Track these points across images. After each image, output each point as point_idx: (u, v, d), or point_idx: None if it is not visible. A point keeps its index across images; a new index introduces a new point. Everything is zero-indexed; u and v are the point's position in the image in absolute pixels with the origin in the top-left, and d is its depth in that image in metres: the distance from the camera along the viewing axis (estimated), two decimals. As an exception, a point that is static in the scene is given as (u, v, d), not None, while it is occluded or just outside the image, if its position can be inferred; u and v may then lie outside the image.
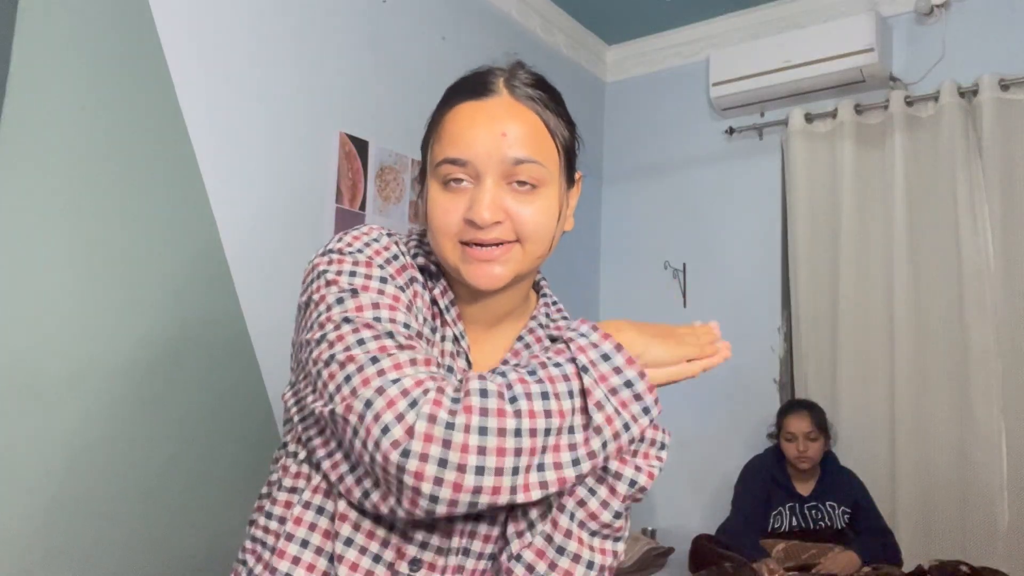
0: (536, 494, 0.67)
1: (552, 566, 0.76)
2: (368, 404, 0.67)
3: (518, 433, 0.66)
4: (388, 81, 2.42)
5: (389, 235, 0.84)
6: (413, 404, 0.66)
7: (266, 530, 0.82)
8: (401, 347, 0.71)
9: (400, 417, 0.65)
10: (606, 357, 0.71)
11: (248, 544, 0.84)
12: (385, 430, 0.65)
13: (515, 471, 0.66)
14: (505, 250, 0.79)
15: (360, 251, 0.79)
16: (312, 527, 0.78)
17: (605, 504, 0.78)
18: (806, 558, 2.41)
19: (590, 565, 0.77)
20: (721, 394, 3.09)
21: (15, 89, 1.55)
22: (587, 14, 3.25)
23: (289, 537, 0.78)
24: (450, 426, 0.65)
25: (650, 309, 3.31)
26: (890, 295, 2.73)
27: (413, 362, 0.70)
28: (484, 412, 0.66)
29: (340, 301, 0.75)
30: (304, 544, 0.78)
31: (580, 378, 0.70)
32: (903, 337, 2.67)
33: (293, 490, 0.81)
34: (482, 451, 0.65)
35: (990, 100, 2.60)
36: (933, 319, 2.66)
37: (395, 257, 0.82)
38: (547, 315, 0.92)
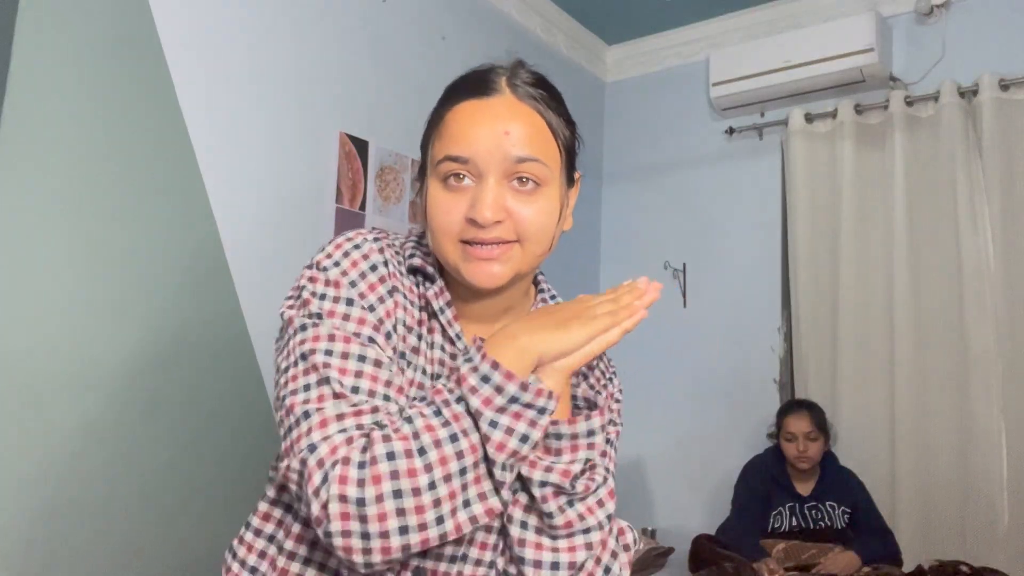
0: (468, 528, 0.69)
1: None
2: (297, 472, 0.70)
3: (432, 486, 0.67)
4: (388, 81, 2.42)
5: (376, 239, 0.84)
6: (325, 480, 0.66)
7: (262, 554, 0.84)
8: (336, 396, 0.72)
9: (317, 493, 0.67)
10: (485, 379, 0.70)
11: (235, 560, 0.85)
12: (308, 504, 0.68)
13: (440, 520, 0.67)
14: (505, 249, 0.79)
15: (337, 264, 0.80)
16: (313, 544, 0.81)
17: None
18: (806, 558, 2.41)
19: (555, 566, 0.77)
20: (721, 394, 3.09)
21: (15, 89, 1.55)
22: (587, 14, 3.25)
23: (291, 556, 0.81)
24: (361, 502, 0.65)
25: (650, 309, 3.30)
26: (890, 295, 2.73)
27: (340, 417, 0.71)
28: (395, 475, 0.66)
29: (303, 328, 0.77)
30: (307, 562, 0.80)
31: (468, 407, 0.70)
32: (903, 337, 2.67)
33: (288, 507, 0.83)
34: (401, 513, 0.66)
35: (990, 100, 2.60)
36: (933, 319, 2.66)
37: (373, 268, 0.81)
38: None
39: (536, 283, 0.95)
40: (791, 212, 2.98)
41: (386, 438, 0.68)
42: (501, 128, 0.78)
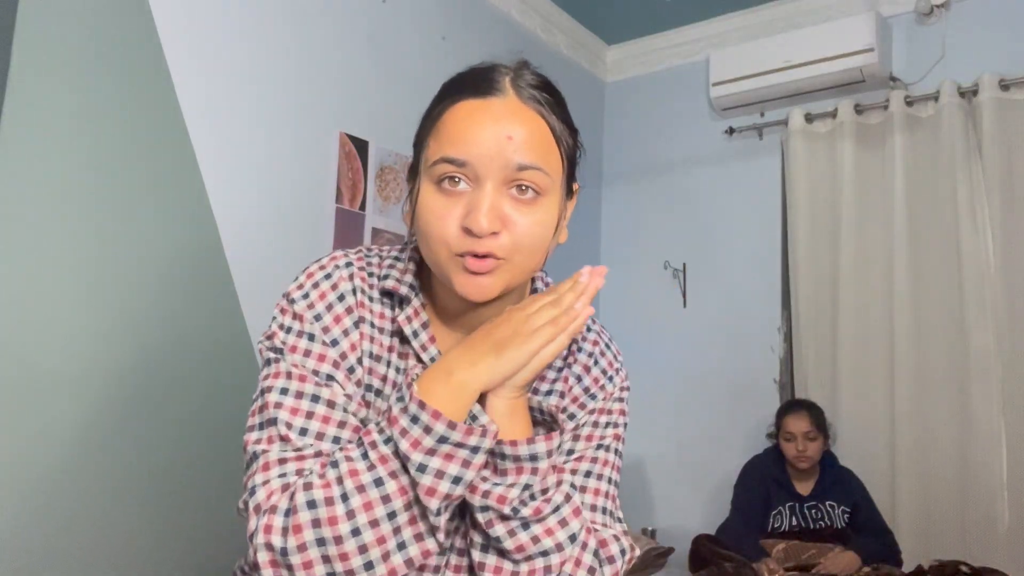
0: (405, 571, 0.68)
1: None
2: (243, 514, 0.72)
3: (356, 532, 0.66)
4: (388, 81, 2.42)
5: (349, 264, 0.82)
6: (256, 527, 0.68)
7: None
8: (282, 439, 0.72)
9: (251, 539, 0.69)
10: (415, 419, 0.68)
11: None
12: (248, 548, 0.70)
13: (369, 566, 0.67)
14: (499, 263, 0.74)
15: (306, 296, 0.80)
16: None
17: None
18: (806, 558, 2.40)
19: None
20: (721, 394, 3.09)
21: (15, 89, 1.55)
22: (587, 14, 3.25)
23: None
24: (284, 552, 0.66)
25: (650, 309, 3.31)
26: (890, 295, 2.73)
27: (281, 462, 0.71)
28: (316, 523, 0.66)
29: (267, 363, 0.78)
30: None
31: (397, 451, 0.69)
32: (903, 337, 2.67)
33: None
34: (327, 560, 0.66)
35: (990, 100, 2.60)
36: (933, 319, 2.66)
37: (341, 298, 0.80)
38: None
39: (533, 284, 0.92)
40: (791, 212, 2.98)
41: (307, 486, 0.68)
42: (504, 131, 0.73)
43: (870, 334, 2.77)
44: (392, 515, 0.67)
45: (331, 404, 0.75)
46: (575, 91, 3.37)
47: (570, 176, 0.82)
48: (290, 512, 0.67)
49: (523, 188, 0.74)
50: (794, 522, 2.54)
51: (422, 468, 0.67)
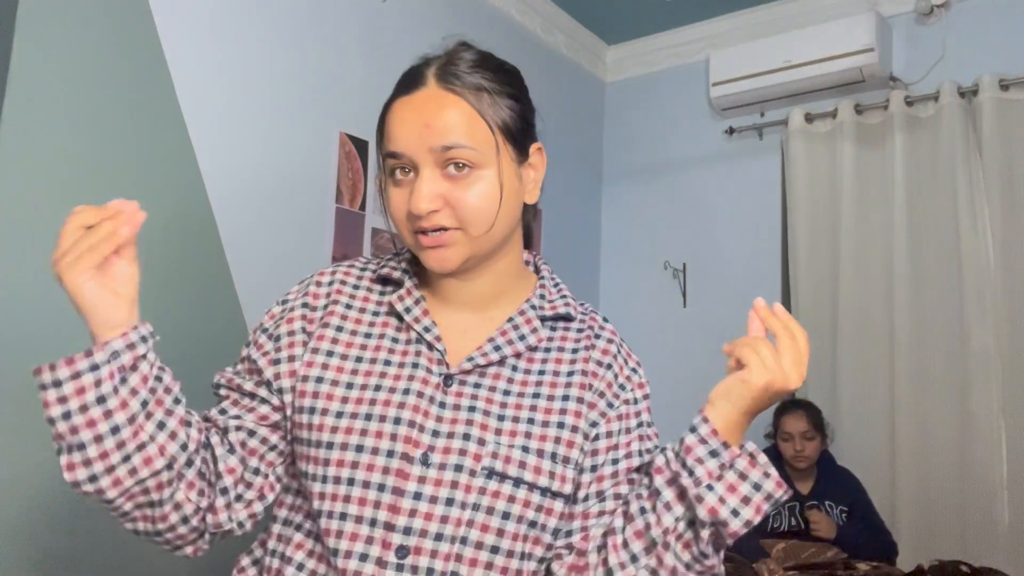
0: None
1: None
2: None
3: None
4: (388, 81, 2.39)
5: (333, 272, 0.94)
6: None
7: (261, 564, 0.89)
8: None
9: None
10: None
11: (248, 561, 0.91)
12: None
13: None
14: (449, 235, 0.82)
15: (277, 304, 0.96)
16: (311, 553, 0.83)
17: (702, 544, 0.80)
18: (806, 557, 2.40)
19: None
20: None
21: (15, 89, 1.55)
22: (587, 14, 3.25)
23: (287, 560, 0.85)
24: None
25: (650, 309, 3.31)
26: (890, 295, 2.73)
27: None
28: None
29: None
30: (300, 568, 0.83)
31: None
32: (903, 337, 2.67)
33: (287, 523, 0.88)
34: None
35: (990, 100, 2.60)
36: (933, 319, 2.66)
37: (284, 301, 0.96)
38: (542, 296, 0.93)
39: (538, 270, 0.96)
40: (791, 212, 2.98)
41: None
42: (421, 122, 0.81)
43: (870, 334, 2.77)
44: None
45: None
46: (575, 91, 3.37)
47: (516, 141, 0.86)
48: None
49: (459, 166, 0.81)
50: (793, 522, 2.54)
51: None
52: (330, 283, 0.91)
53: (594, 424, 0.88)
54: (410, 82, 0.85)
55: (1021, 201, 2.57)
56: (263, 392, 0.88)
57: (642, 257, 3.36)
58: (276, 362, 0.88)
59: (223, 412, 0.89)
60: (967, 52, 2.72)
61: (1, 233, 1.53)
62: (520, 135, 0.87)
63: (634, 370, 0.95)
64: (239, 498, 0.84)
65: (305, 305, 0.90)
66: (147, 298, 1.75)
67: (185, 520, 0.79)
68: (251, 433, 0.86)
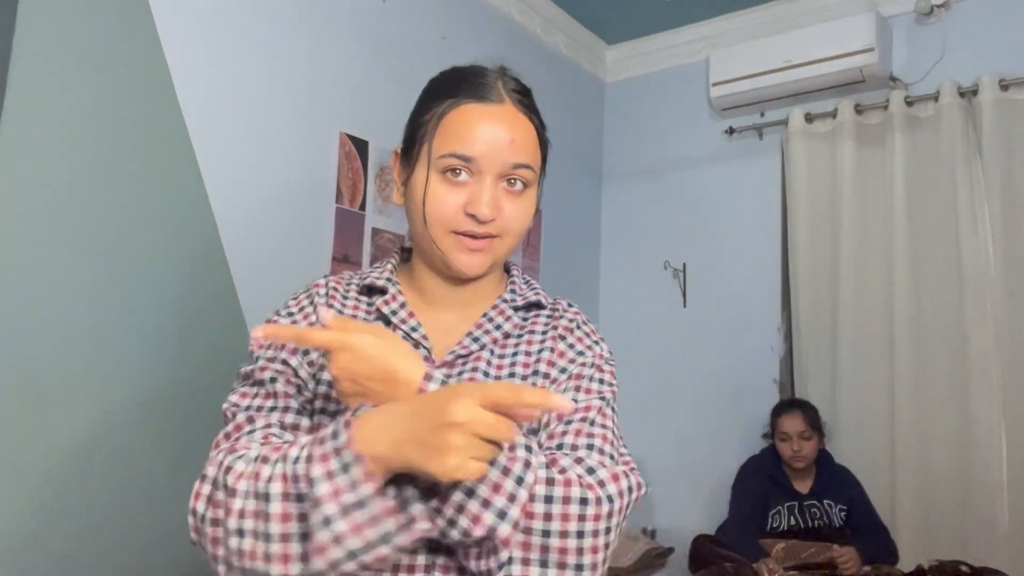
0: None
1: None
2: None
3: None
4: (388, 81, 2.42)
5: (326, 279, 0.96)
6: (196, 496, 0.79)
7: None
8: (232, 424, 0.83)
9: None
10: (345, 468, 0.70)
11: None
12: None
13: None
14: (490, 243, 0.88)
15: (278, 317, 0.94)
16: None
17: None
18: (805, 557, 2.41)
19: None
20: (721, 394, 3.09)
21: (15, 89, 1.55)
22: (587, 14, 3.25)
23: None
24: (203, 519, 0.76)
25: (650, 309, 3.31)
26: (890, 295, 2.73)
27: (215, 445, 0.83)
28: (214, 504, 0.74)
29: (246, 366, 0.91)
30: None
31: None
32: (903, 337, 2.67)
33: None
34: (216, 541, 0.74)
35: (990, 100, 2.60)
36: (933, 319, 2.66)
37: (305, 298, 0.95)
38: (513, 291, 0.98)
39: (508, 271, 1.02)
40: (791, 212, 2.98)
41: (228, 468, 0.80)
42: (507, 136, 0.86)
43: (870, 334, 2.77)
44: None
45: (259, 383, 0.86)
46: (575, 91, 3.37)
47: (544, 163, 0.94)
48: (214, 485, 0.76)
49: (512, 181, 0.87)
50: (792, 521, 2.54)
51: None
52: (326, 292, 0.95)
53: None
54: (484, 91, 0.88)
55: (1021, 201, 2.57)
56: (298, 403, 0.86)
57: (642, 257, 3.37)
58: (311, 364, 0.89)
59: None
60: (967, 52, 2.73)
61: (1, 233, 1.53)
62: (546, 158, 0.94)
63: (596, 342, 0.96)
64: None
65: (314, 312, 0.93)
66: (147, 298, 1.76)
67: None
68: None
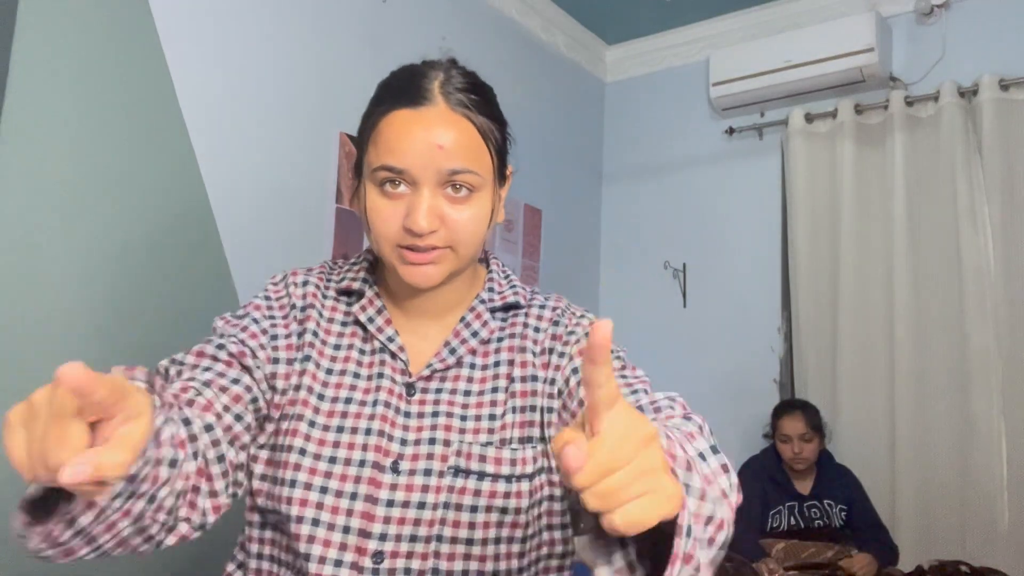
0: None
1: None
2: None
3: None
4: (388, 81, 2.42)
5: (308, 272, 0.95)
6: None
7: (242, 566, 0.91)
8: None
9: None
10: None
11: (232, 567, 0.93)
12: None
13: None
14: (439, 254, 0.82)
15: (255, 297, 0.95)
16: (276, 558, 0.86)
17: None
18: (805, 557, 2.41)
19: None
20: (721, 394, 3.09)
21: (15, 89, 1.55)
22: (587, 14, 3.25)
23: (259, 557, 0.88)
24: None
25: (650, 309, 3.31)
26: (890, 295, 2.73)
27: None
28: None
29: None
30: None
31: None
32: (903, 337, 2.67)
33: (250, 523, 0.90)
34: None
35: (990, 100, 2.60)
36: (933, 319, 2.66)
37: (280, 296, 0.94)
38: (491, 289, 0.94)
39: (488, 264, 0.97)
40: (791, 212, 2.98)
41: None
42: (434, 142, 0.79)
43: (870, 334, 2.77)
44: None
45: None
46: (575, 91, 3.37)
47: (501, 165, 0.87)
48: None
49: (457, 187, 0.81)
50: (793, 521, 2.54)
51: None
52: (304, 283, 0.93)
53: (553, 382, 0.88)
54: (413, 95, 0.82)
55: (1021, 201, 2.57)
56: (246, 379, 0.85)
57: (642, 257, 3.37)
58: (275, 361, 0.87)
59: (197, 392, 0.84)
60: (967, 52, 2.73)
61: (1, 232, 1.53)
62: (505, 158, 0.88)
63: (583, 316, 0.93)
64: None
65: (294, 307, 0.91)
66: (148, 298, 1.76)
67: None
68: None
